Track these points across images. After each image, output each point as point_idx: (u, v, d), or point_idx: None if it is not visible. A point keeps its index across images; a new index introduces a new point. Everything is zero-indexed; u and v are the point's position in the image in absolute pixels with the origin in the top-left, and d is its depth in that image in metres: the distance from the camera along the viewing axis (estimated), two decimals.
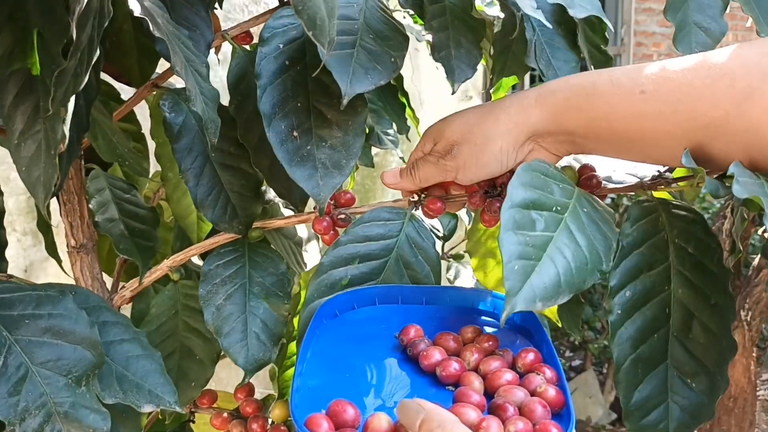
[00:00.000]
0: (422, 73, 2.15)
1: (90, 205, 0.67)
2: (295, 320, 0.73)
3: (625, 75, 0.47)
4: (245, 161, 0.65)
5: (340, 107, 0.52)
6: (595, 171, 0.57)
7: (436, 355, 0.46)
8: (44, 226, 0.80)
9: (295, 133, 0.56)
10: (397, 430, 0.39)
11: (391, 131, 1.08)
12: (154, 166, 0.80)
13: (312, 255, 0.82)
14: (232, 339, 0.61)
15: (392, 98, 1.01)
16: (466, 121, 0.54)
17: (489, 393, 0.44)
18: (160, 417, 0.72)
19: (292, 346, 0.75)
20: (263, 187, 0.68)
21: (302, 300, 0.60)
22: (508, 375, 0.44)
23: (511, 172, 0.52)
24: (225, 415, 0.65)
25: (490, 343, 0.48)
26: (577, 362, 3.42)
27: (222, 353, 0.66)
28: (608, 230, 0.45)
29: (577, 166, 0.58)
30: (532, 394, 0.42)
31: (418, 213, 0.61)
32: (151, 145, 0.77)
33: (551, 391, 0.42)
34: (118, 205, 0.70)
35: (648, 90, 0.46)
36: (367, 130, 1.03)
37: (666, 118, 0.45)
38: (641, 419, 0.46)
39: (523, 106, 0.50)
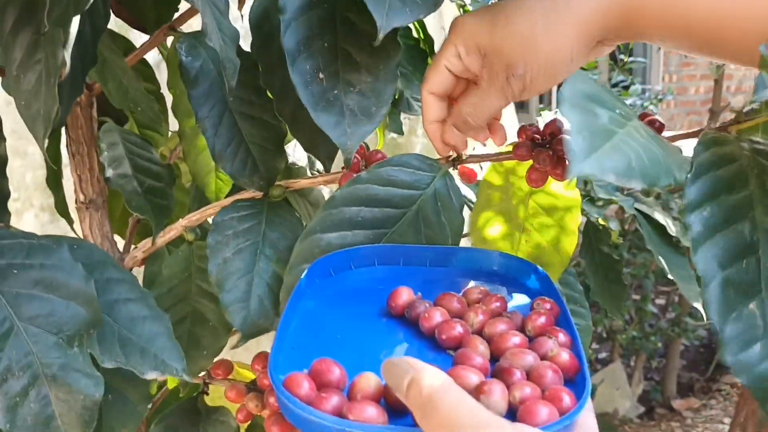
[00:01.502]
0: None
1: (101, 160, 0.62)
2: None
3: None
4: (267, 111, 0.59)
5: (374, 43, 0.46)
6: (654, 115, 0.52)
7: (437, 316, 0.41)
8: (54, 183, 0.75)
9: (321, 76, 0.50)
10: (387, 391, 0.33)
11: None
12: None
13: None
14: (233, 296, 0.56)
15: (421, 63, 0.95)
16: (528, 30, 0.44)
17: (495, 357, 0.38)
18: (170, 388, 0.68)
19: None
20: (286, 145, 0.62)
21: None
22: (516, 338, 0.38)
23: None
24: (241, 387, 0.60)
25: (498, 304, 0.43)
26: (604, 354, 3.34)
27: None
28: (675, 151, 0.39)
29: None
30: (543, 358, 0.37)
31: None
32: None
33: (564, 356, 0.37)
34: (131, 161, 0.65)
35: None
36: (397, 95, 0.97)
37: (756, 19, 0.39)
38: (740, 352, 0.39)
39: (593, 6, 0.43)
